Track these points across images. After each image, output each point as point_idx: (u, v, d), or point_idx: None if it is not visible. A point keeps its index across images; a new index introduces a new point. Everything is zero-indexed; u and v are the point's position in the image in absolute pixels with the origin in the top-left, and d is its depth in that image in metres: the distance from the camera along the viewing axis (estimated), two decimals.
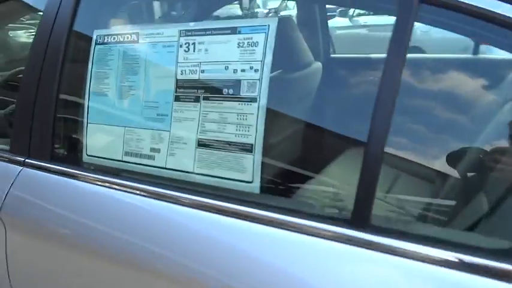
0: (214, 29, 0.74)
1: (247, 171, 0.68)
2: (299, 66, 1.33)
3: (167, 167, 0.77)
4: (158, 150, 0.78)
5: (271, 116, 0.77)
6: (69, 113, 0.95)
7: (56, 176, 0.90)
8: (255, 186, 0.67)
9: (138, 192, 0.77)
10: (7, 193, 0.96)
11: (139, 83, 0.82)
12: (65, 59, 0.93)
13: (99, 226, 0.82)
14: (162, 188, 0.75)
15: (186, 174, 0.74)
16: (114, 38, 0.86)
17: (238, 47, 0.71)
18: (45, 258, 0.92)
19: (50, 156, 0.93)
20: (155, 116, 0.79)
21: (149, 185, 0.76)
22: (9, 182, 0.97)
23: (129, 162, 0.82)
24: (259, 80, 0.68)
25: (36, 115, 0.96)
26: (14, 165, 0.99)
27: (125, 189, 0.79)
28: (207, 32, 0.75)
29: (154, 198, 0.75)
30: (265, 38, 0.68)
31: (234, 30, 0.72)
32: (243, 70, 0.70)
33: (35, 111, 0.96)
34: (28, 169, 0.96)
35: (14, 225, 0.95)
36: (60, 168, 0.90)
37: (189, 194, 0.72)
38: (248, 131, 0.68)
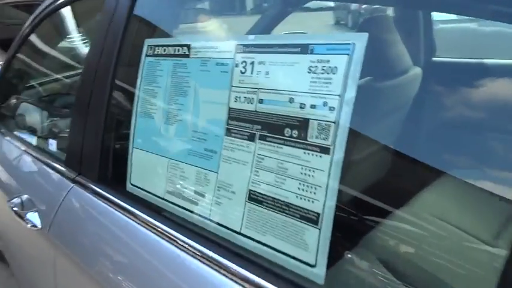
0: (279, 45, 0.55)
1: (310, 249, 0.49)
2: (392, 73, 1.08)
3: (211, 218, 0.61)
4: (203, 195, 0.63)
5: (350, 164, 0.57)
6: (118, 133, 0.85)
7: (100, 202, 0.81)
8: (319, 274, 0.48)
9: (176, 243, 0.63)
10: (57, 211, 0.91)
11: (187, 107, 0.67)
12: (116, 70, 0.83)
13: (132, 267, 0.71)
14: (203, 246, 0.60)
15: (232, 233, 0.58)
16: (164, 50, 0.73)
17: (308, 73, 0.51)
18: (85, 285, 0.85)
19: (98, 178, 0.85)
20: (202, 150, 0.64)
21: (190, 238, 0.62)
22: (60, 199, 0.92)
23: (170, 202, 0.68)
24: (334, 122, 0.48)
25: (87, 131, 0.88)
26: (66, 180, 0.93)
27: (162, 235, 0.66)
28: (269, 49, 0.56)
29: (194, 256, 0.60)
30: (348, 63, 0.48)
31: (304, 49, 0.52)
32: (313, 106, 0.50)
33: (87, 126, 0.88)
34: (77, 187, 0.89)
35: (60, 245, 0.89)
36: (105, 194, 0.81)
37: (233, 261, 0.56)
38: (315, 193, 0.49)
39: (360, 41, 0.48)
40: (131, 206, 0.74)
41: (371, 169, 0.95)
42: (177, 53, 0.70)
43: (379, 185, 0.88)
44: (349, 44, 0.48)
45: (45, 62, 1.73)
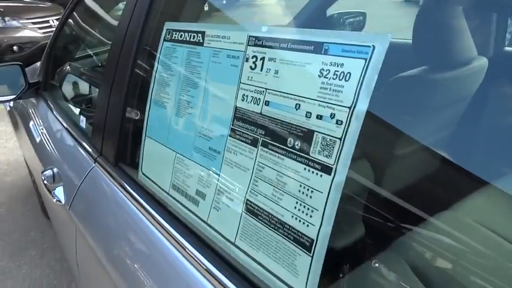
0: (292, 41, 0.49)
1: (300, 277, 0.44)
2: (450, 64, 0.96)
3: (208, 222, 0.58)
4: (204, 196, 0.59)
5: (393, 161, 0.51)
6: (135, 119, 0.83)
7: (115, 187, 0.81)
8: None
9: (175, 244, 0.61)
10: (78, 188, 0.93)
11: (197, 100, 0.63)
12: (137, 54, 0.80)
13: (132, 258, 0.70)
14: (200, 252, 0.57)
15: (226, 243, 0.54)
16: (181, 36, 0.68)
17: (319, 77, 0.44)
18: (96, 265, 0.86)
19: (115, 162, 0.84)
20: (207, 149, 0.60)
21: (187, 240, 0.59)
22: (82, 177, 0.93)
23: (174, 199, 0.66)
24: (340, 139, 0.41)
25: (109, 113, 0.87)
26: (89, 160, 0.94)
27: (164, 233, 0.64)
28: (282, 44, 0.50)
29: (189, 260, 0.58)
30: (363, 69, 0.40)
31: (318, 48, 0.45)
32: (319, 116, 0.44)
33: (109, 109, 0.88)
34: (97, 168, 0.90)
35: (77, 223, 0.91)
36: (119, 179, 0.80)
37: (223, 271, 0.52)
38: (311, 216, 0.43)
39: (380, 43, 0.40)
40: (139, 196, 0.72)
41: (415, 167, 0.87)
42: (192, 40, 0.66)
43: (421, 185, 0.81)
44: (368, 46, 0.41)
45: (99, 29, 1.73)
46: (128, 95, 0.82)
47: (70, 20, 1.49)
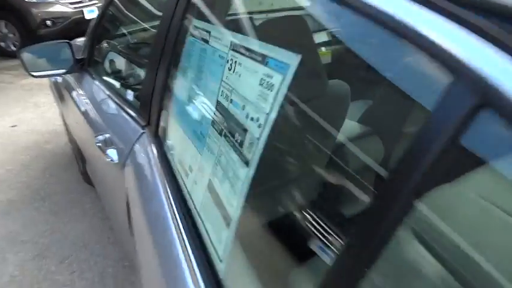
0: (252, 51, 0.57)
1: (221, 245, 0.54)
2: None
3: (190, 192, 0.71)
4: (191, 171, 0.73)
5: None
6: (170, 100, 0.98)
7: (152, 155, 0.99)
8: (221, 269, 0.53)
9: (172, 210, 0.76)
10: (129, 152, 1.13)
11: (200, 89, 0.75)
12: (175, 46, 0.94)
13: (150, 217, 0.87)
14: (181, 217, 0.71)
15: (195, 211, 0.67)
16: (199, 33, 0.80)
17: (259, 85, 0.52)
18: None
19: (154, 133, 1.02)
20: (199, 132, 0.72)
21: (177, 207, 0.74)
22: (133, 141, 1.13)
23: (177, 170, 0.80)
24: (258, 139, 0.49)
25: (155, 90, 1.04)
26: (138, 127, 1.13)
27: (170, 201, 0.79)
28: (247, 53, 0.58)
29: (173, 222, 0.72)
30: (281, 83, 0.47)
31: (263, 60, 0.53)
32: (252, 118, 0.52)
33: (155, 86, 1.04)
34: (145, 136, 1.09)
35: (129, 181, 1.12)
36: (155, 148, 0.97)
37: (188, 235, 0.65)
38: (234, 199, 0.53)
39: (293, 62, 0.46)
40: (161, 165, 0.89)
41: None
42: (203, 37, 0.77)
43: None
44: (287, 64, 0.47)
45: (137, 10, 1.82)
46: (168, 78, 0.98)
47: (113, 2, 1.62)
